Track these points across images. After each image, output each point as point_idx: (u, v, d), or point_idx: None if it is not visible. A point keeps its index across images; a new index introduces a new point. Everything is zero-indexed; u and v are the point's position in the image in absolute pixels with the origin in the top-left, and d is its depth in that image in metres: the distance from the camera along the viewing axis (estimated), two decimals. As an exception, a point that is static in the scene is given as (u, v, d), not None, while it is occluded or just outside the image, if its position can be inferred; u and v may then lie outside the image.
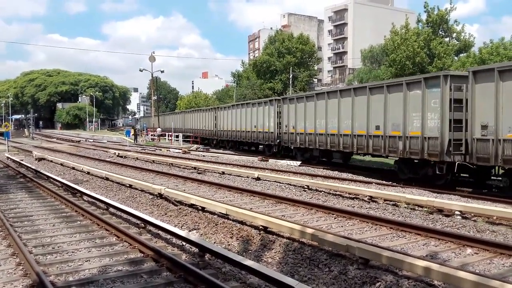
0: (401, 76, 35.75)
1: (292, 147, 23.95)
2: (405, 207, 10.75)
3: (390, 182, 15.28)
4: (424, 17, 45.37)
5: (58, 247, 7.54)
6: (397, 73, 42.43)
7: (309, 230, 7.60)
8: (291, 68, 65.24)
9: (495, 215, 9.38)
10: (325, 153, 21.42)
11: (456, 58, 45.41)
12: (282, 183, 15.05)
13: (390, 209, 10.65)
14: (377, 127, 16.71)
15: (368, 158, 22.86)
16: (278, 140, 25.61)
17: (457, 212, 9.87)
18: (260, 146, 31.73)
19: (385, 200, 11.55)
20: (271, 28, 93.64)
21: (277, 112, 25.66)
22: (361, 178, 16.54)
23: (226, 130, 34.55)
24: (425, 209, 10.44)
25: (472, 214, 9.75)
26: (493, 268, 6.39)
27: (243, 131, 30.78)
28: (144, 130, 54.50)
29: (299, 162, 21.93)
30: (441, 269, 5.55)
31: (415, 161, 15.55)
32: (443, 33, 45.91)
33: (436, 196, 11.85)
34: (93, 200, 11.53)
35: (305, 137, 22.02)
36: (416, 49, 41.77)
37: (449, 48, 43.72)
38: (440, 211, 10.21)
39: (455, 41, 46.23)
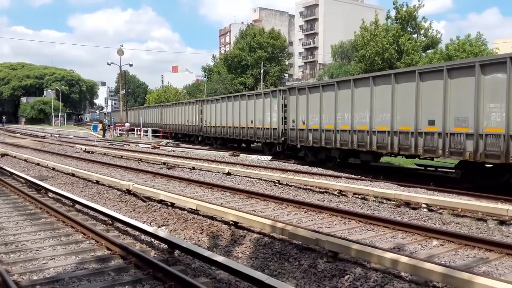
0: (371, 71, 36.23)
1: (299, 146, 20.62)
2: (373, 201, 10.93)
3: (359, 176, 15.41)
4: (393, 13, 46.23)
5: (21, 245, 7.28)
6: (367, 68, 43.15)
7: (280, 225, 7.61)
8: (262, 63, 65.30)
9: (460, 207, 9.62)
10: (348, 154, 18.35)
11: (423, 54, 46.48)
12: (253, 178, 15.04)
13: (359, 203, 10.81)
14: (431, 122, 13.43)
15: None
16: (283, 138, 21.94)
17: (423, 205, 10.10)
18: (253, 144, 28.77)
19: (354, 194, 11.71)
20: (242, 22, 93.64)
21: (282, 105, 22.03)
22: (330, 172, 16.69)
23: (214, 125, 30.49)
24: (393, 202, 10.63)
25: (438, 207, 9.99)
26: (458, 259, 6.55)
27: (236, 127, 26.84)
28: (112, 125, 53.39)
29: (270, 157, 21.89)
30: (408, 261, 5.64)
31: (488, 165, 12.67)
32: (411, 30, 46.90)
33: (404, 190, 12.07)
34: (59, 197, 11.20)
35: (320, 134, 18.39)
36: (385, 45, 42.61)
37: (417, 44, 44.73)
38: (407, 204, 10.41)
39: (423, 37, 47.29)
